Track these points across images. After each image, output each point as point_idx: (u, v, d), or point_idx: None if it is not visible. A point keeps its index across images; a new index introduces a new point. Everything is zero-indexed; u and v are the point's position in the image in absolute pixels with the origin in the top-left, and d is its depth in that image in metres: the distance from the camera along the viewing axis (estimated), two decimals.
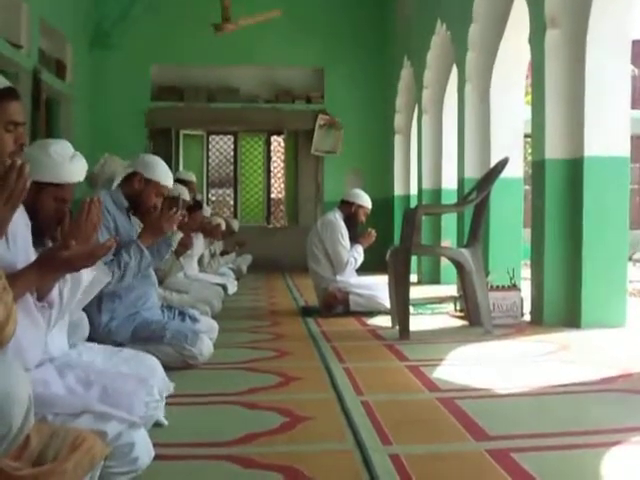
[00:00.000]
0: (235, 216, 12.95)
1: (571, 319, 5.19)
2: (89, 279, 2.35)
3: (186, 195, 5.97)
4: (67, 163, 2.52)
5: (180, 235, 4.90)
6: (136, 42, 12.06)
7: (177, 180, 6.41)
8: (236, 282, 8.36)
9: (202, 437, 2.63)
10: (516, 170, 6.75)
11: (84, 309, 3.43)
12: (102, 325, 3.79)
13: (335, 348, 4.49)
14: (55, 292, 2.22)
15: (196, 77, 12.53)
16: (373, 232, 6.51)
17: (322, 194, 12.66)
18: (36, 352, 2.14)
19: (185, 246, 5.70)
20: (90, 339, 3.44)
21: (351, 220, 6.36)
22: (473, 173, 7.17)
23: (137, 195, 3.90)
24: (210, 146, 13.51)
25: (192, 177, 7.08)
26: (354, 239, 6.37)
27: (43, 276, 2.09)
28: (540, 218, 5.42)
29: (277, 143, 13.61)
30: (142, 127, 12.25)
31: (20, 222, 2.16)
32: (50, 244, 2.42)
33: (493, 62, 7.01)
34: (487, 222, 6.46)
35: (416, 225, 5.05)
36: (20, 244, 2.10)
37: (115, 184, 3.92)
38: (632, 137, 5.42)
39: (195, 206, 6.53)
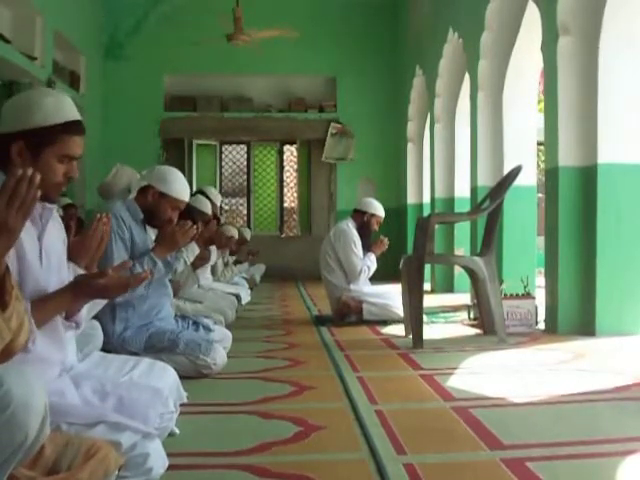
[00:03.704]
0: (248, 225, 12.99)
1: (586, 327, 5.16)
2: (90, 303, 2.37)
3: (208, 208, 5.97)
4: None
5: (196, 247, 4.91)
6: (149, 53, 12.16)
7: (201, 193, 6.41)
8: (249, 291, 8.37)
9: (216, 446, 2.63)
10: (529, 178, 6.74)
11: (98, 318, 3.46)
12: (116, 334, 3.81)
13: (349, 357, 4.48)
14: (83, 312, 2.25)
15: (209, 87, 12.59)
16: (385, 239, 6.51)
17: (335, 203, 12.68)
18: (57, 367, 2.17)
19: (203, 259, 5.70)
20: (104, 348, 3.46)
21: (364, 229, 6.36)
22: (486, 181, 7.17)
23: (151, 208, 3.87)
24: (223, 156, 13.57)
25: (217, 198, 6.89)
26: (367, 248, 6.36)
27: (76, 300, 2.12)
28: (554, 226, 5.41)
29: (290, 152, 13.65)
30: (155, 137, 12.33)
31: (56, 237, 2.18)
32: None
33: (505, 70, 7.01)
34: (500, 230, 6.45)
35: (429, 234, 5.04)
36: (54, 261, 2.12)
37: (131, 196, 3.93)
38: None
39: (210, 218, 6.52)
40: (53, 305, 2.04)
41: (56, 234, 2.18)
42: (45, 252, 2.07)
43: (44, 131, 2.00)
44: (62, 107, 2.05)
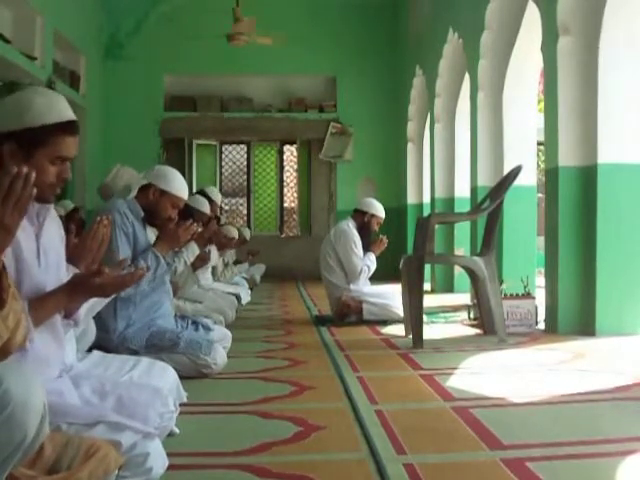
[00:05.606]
0: (248, 225, 12.97)
1: (586, 327, 5.16)
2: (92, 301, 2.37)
3: (206, 208, 5.97)
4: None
5: (196, 248, 4.93)
6: (149, 53, 12.15)
7: (201, 193, 6.41)
8: (249, 291, 8.37)
9: (216, 446, 2.63)
10: (529, 178, 6.73)
11: (100, 316, 3.46)
12: (118, 331, 3.81)
13: (349, 357, 4.48)
14: (82, 310, 2.24)
15: (209, 87, 12.59)
16: (384, 238, 6.51)
17: (335, 203, 12.68)
18: (56, 366, 2.17)
19: (203, 260, 5.70)
20: (105, 345, 3.46)
21: (364, 229, 6.36)
22: (486, 181, 7.16)
23: (152, 206, 3.90)
24: (223, 156, 13.56)
25: (218, 198, 6.93)
26: (366, 248, 6.36)
27: (73, 299, 2.12)
28: (554, 226, 5.41)
29: (290, 152, 13.64)
30: (156, 137, 12.32)
31: (55, 235, 2.17)
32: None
33: (505, 70, 7.01)
34: (500, 230, 6.44)
35: (429, 234, 5.04)
36: (52, 260, 2.11)
37: (131, 195, 3.94)
38: None
39: (210, 217, 6.52)
40: (50, 304, 2.03)
41: (54, 232, 2.17)
42: (43, 251, 2.06)
43: (35, 132, 1.97)
44: (54, 107, 2.02)
